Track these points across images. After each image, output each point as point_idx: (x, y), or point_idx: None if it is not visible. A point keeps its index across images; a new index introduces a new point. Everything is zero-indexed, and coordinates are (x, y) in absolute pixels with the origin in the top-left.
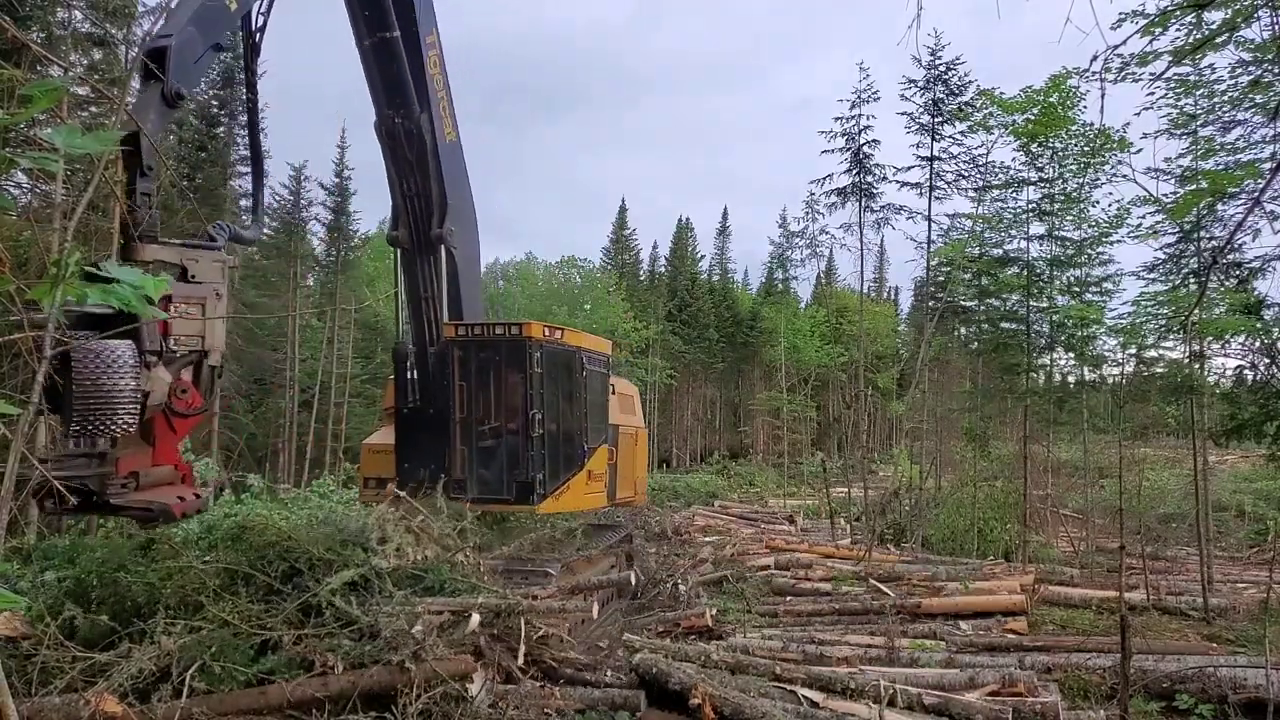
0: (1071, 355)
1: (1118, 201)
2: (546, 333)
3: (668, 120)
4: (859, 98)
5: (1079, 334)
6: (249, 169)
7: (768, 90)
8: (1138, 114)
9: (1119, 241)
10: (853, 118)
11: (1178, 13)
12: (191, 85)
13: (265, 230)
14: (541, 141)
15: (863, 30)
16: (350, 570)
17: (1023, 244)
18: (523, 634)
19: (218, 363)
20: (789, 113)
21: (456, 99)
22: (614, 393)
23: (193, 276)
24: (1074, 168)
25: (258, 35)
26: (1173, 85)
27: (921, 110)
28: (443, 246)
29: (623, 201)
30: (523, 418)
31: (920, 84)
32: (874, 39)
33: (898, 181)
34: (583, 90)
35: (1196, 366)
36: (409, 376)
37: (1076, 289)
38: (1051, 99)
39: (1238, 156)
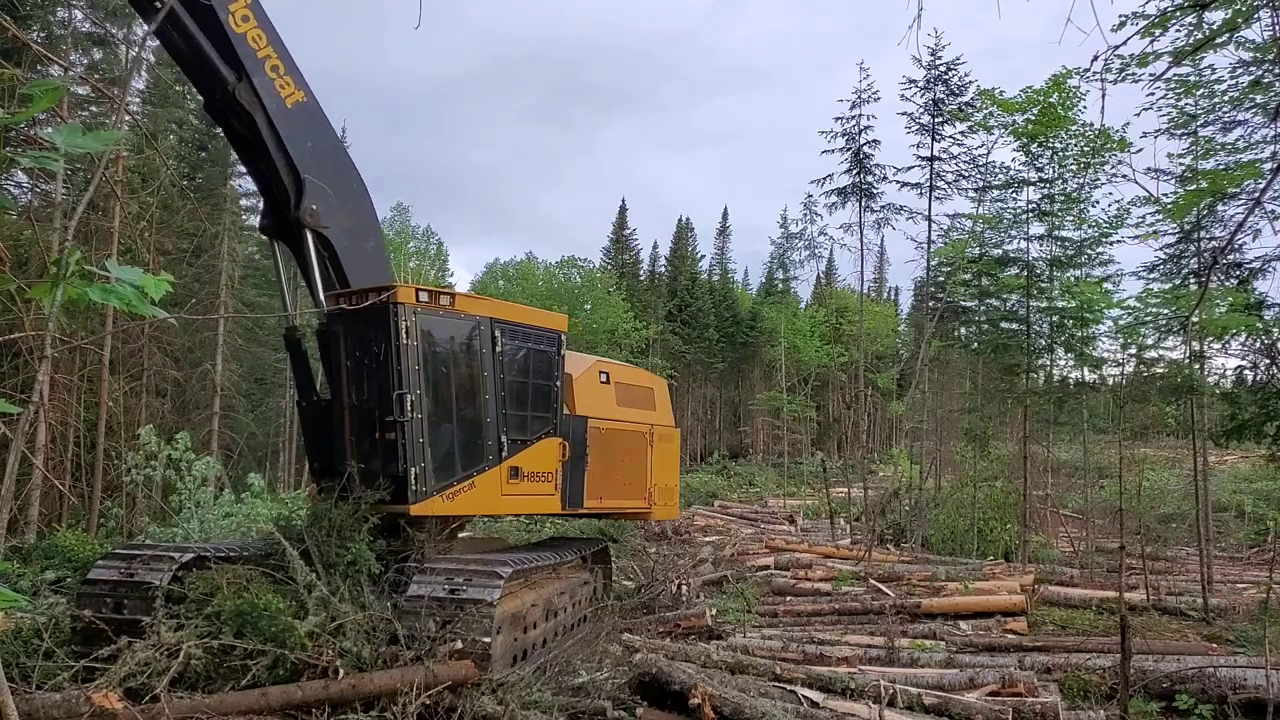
0: (1071, 356)
1: (1118, 201)
2: (424, 298)
3: (721, 122)
4: (859, 97)
5: (1079, 334)
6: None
7: (823, 89)
8: (1138, 114)
9: (1119, 242)
10: (853, 118)
11: (1178, 13)
12: None
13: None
14: (595, 142)
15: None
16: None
17: (1023, 244)
18: None
19: None
20: (832, 114)
21: (529, 100)
22: (607, 381)
23: None
24: (1074, 168)
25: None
26: (1173, 85)
27: (922, 110)
28: (305, 231)
29: (623, 201)
30: (395, 399)
31: (921, 84)
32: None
33: (898, 181)
34: (634, 92)
35: (1196, 366)
36: (303, 367)
37: (1077, 289)
38: (1051, 99)
39: (1238, 156)
